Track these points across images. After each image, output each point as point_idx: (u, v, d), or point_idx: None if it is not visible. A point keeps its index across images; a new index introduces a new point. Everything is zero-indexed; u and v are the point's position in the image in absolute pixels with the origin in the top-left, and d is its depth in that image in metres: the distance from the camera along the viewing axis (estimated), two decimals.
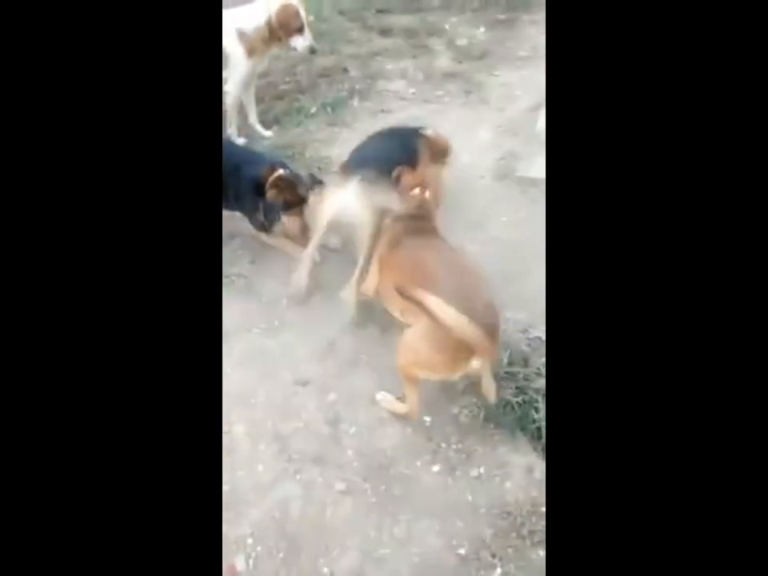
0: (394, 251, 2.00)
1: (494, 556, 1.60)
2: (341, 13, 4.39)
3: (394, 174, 2.20)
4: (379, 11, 4.41)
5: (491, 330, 1.65)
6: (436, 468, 1.80)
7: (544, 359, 2.00)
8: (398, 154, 2.34)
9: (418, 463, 1.81)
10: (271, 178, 2.37)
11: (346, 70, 3.72)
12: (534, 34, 4.03)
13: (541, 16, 4.14)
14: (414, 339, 1.72)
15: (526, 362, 2.01)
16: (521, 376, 1.96)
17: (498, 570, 1.58)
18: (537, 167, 2.84)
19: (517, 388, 1.92)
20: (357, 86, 3.56)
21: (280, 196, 2.38)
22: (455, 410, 1.94)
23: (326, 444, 1.88)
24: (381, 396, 1.97)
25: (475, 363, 1.68)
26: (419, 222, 2.06)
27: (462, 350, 1.63)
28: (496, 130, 3.19)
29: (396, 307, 1.94)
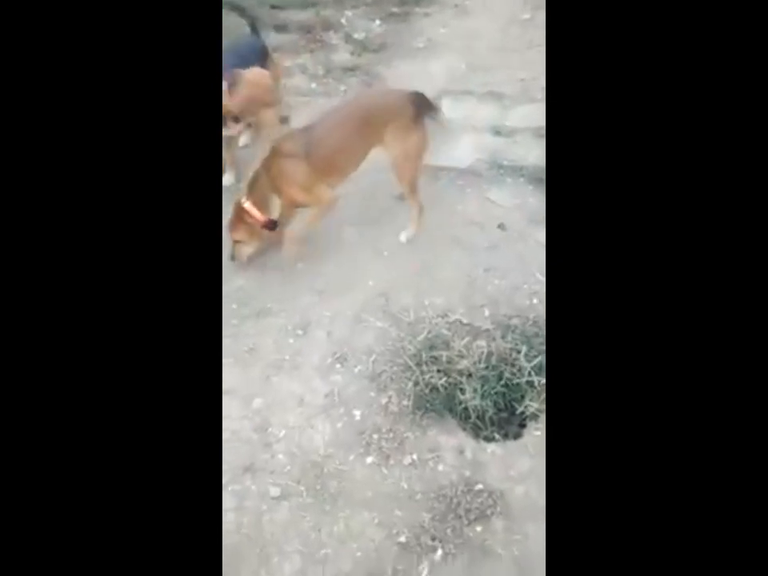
0: None
1: (433, 539, 1.63)
2: (233, 9, 4.25)
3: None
4: (273, 7, 4.32)
5: None
6: (369, 460, 1.80)
7: (465, 341, 2.06)
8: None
9: (351, 457, 1.81)
10: None
11: None
12: (427, 25, 4.10)
13: (433, 9, 4.22)
14: None
15: (447, 345, 2.05)
16: (444, 359, 2.00)
17: (439, 552, 1.60)
18: (444, 155, 2.90)
19: (440, 371, 1.95)
20: None
21: None
22: (384, 400, 1.95)
23: (256, 451, 1.83)
24: None
25: None
26: None
27: None
28: None
29: None
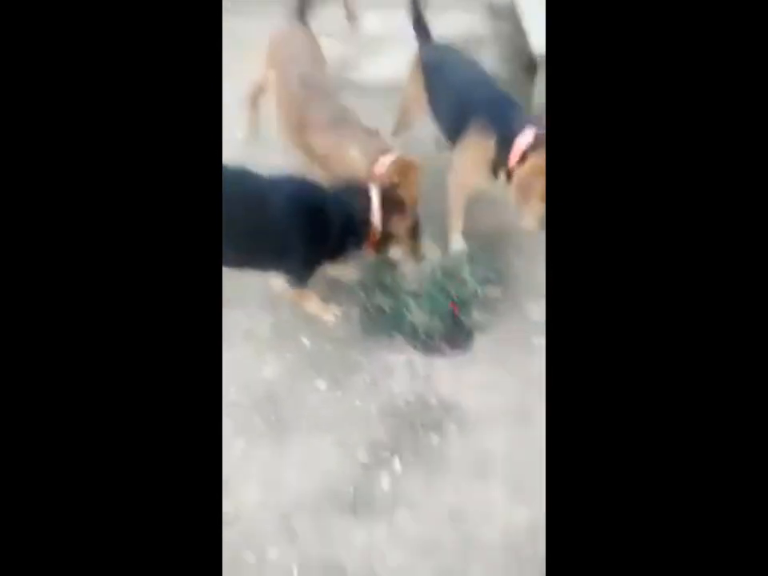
0: None
1: (391, 453, 1.66)
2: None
3: None
4: None
5: None
6: (322, 386, 1.80)
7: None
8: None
9: (304, 385, 1.80)
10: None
11: None
12: None
13: None
14: None
15: (393, 269, 2.04)
16: (388, 281, 1.98)
17: (398, 465, 1.64)
18: (373, 72, 2.77)
19: (386, 293, 1.95)
20: None
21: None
22: (332, 326, 1.94)
23: None
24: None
25: None
26: None
27: None
28: None
29: None
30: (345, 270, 2.05)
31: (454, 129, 1.99)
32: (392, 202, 1.75)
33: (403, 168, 1.83)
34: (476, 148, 1.88)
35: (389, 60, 2.83)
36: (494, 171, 1.86)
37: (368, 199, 1.74)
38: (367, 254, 1.84)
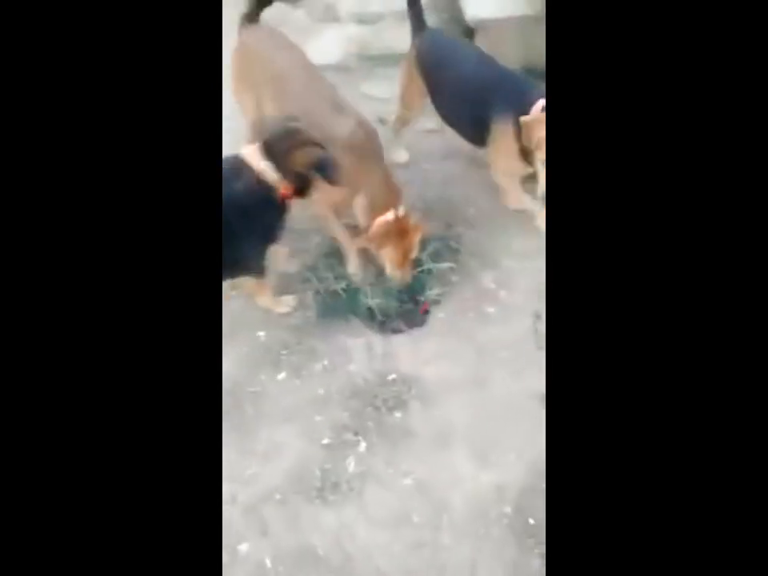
0: None
1: (356, 434, 1.67)
2: None
3: None
4: None
5: None
6: (281, 376, 1.79)
7: None
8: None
9: (263, 377, 1.79)
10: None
11: None
12: None
13: None
14: None
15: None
16: (340, 265, 1.98)
17: (363, 444, 1.65)
18: (310, 53, 2.73)
19: (337, 278, 1.94)
20: None
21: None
22: (286, 315, 1.93)
23: None
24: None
25: None
26: None
27: None
28: None
29: None
30: (288, 262, 2.03)
31: (476, 133, 2.03)
32: (290, 141, 1.65)
33: (403, 229, 1.83)
34: (503, 142, 1.93)
35: (325, 42, 2.78)
36: (526, 157, 1.91)
37: (244, 161, 1.64)
38: (292, 204, 1.72)
